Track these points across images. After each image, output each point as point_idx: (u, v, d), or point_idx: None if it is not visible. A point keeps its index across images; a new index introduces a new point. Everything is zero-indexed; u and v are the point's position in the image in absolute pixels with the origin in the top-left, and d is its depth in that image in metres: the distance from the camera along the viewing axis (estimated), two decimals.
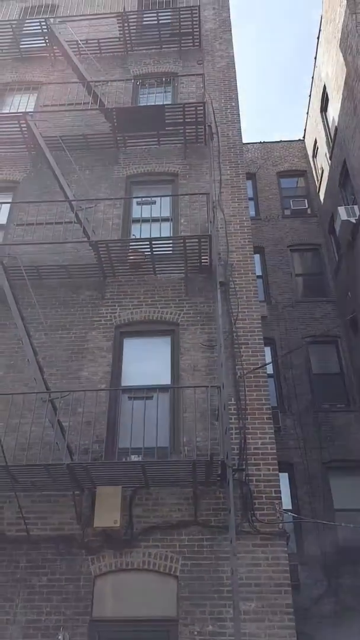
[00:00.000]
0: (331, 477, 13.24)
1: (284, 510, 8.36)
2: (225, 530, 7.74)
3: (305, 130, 20.68)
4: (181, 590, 7.50)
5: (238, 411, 8.73)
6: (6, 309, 10.22)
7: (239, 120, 12.89)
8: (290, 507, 12.39)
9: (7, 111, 13.84)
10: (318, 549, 12.24)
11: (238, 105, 13.21)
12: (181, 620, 7.31)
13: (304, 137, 20.97)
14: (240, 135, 12.65)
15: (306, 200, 19.07)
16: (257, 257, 16.83)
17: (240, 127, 12.77)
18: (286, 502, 11.52)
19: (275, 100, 59.43)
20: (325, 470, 13.29)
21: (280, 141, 20.82)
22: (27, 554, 7.99)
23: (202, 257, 10.22)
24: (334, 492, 13.05)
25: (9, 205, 11.89)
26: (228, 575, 7.50)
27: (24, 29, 15.08)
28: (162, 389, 9.13)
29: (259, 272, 16.17)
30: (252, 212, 18.11)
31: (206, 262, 10.31)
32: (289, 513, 11.97)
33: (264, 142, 20.64)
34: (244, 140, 20.00)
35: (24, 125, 12.32)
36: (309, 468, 13.26)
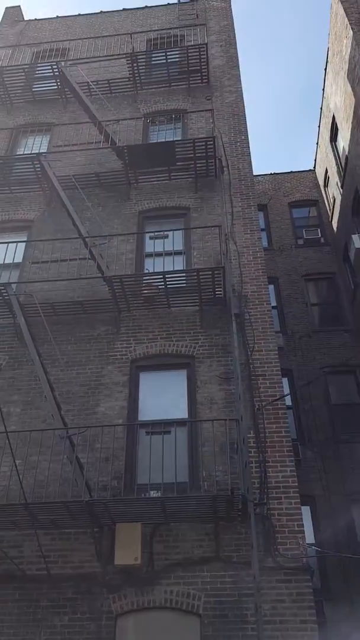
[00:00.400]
0: (354, 509, 12.99)
1: (307, 544, 8.21)
2: (248, 566, 7.62)
3: (315, 160, 20.92)
4: (204, 629, 7.36)
5: (257, 444, 8.66)
6: (23, 345, 10.34)
7: (249, 153, 13.10)
8: (313, 541, 12.15)
9: (22, 152, 14.22)
10: (343, 583, 11.95)
11: (248, 138, 13.44)
12: None
13: (314, 167, 21.20)
14: (251, 168, 12.83)
15: (319, 230, 19.17)
16: (271, 287, 16.80)
17: (250, 159, 12.97)
18: (309, 536, 11.33)
19: (284, 131, 60.28)
20: (348, 503, 13.04)
21: (291, 172, 21.06)
22: (48, 593, 7.91)
23: (216, 289, 10.29)
24: (358, 524, 12.79)
25: (24, 244, 12.11)
26: (252, 613, 7.36)
27: (36, 72, 15.59)
28: (180, 423, 9.10)
29: (273, 303, 16.18)
30: (265, 243, 18.24)
31: (220, 294, 10.37)
32: (313, 547, 11.73)
33: (274, 173, 20.90)
34: (255, 172, 20.29)
35: (38, 165, 12.63)
36: (331, 500, 13.02)
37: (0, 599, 7.90)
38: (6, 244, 11.65)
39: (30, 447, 8.87)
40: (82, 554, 8.13)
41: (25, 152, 14.06)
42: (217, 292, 10.37)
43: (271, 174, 20.93)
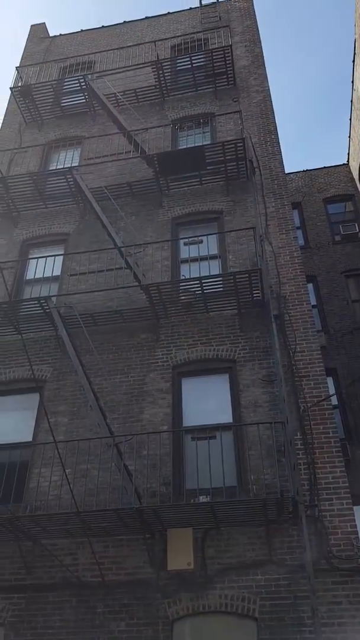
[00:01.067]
0: None
1: None
2: (302, 569, 7.59)
3: (348, 153, 20.63)
4: (261, 632, 7.35)
5: (305, 446, 8.61)
6: (66, 357, 10.53)
7: (280, 152, 13.03)
8: None
9: (54, 167, 14.48)
10: None
11: (278, 137, 13.38)
12: None
13: (347, 161, 20.92)
14: (283, 166, 12.77)
15: (356, 224, 18.86)
16: (310, 286, 16.67)
17: (281, 158, 12.90)
18: None
19: (314, 126, 59.64)
20: None
21: (324, 167, 20.81)
22: (104, 599, 8.04)
23: (254, 292, 10.27)
24: None
25: (61, 257, 12.33)
26: (309, 615, 7.32)
27: (64, 87, 15.85)
28: (225, 427, 9.13)
29: (313, 302, 15.97)
30: (301, 241, 18.06)
31: (258, 296, 10.35)
32: None
33: (307, 170, 20.70)
34: (287, 170, 20.14)
35: (71, 179, 12.86)
36: None
37: (58, 606, 8.06)
38: (44, 258, 11.90)
39: (79, 456, 9.05)
40: (135, 560, 8.23)
41: (58, 167, 14.31)
42: (255, 295, 10.35)
43: (304, 170, 20.71)
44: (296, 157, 55.05)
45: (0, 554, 8.69)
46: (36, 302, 10.44)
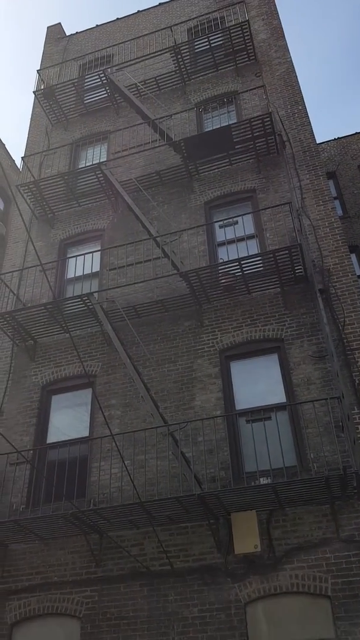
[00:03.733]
0: None
1: None
2: None
3: None
4: (336, 610, 7.27)
5: None
6: (113, 350, 10.62)
7: (309, 122, 12.70)
8: None
9: (83, 165, 14.54)
10: None
11: (305, 108, 13.04)
12: None
13: None
14: (313, 137, 12.44)
15: None
16: (353, 256, 16.27)
17: (311, 128, 12.57)
18: None
19: (342, 92, 58.07)
20: None
21: (357, 133, 20.17)
22: (174, 587, 8.09)
23: (296, 268, 10.08)
24: None
25: (99, 253, 12.40)
26: None
27: (85, 84, 15.86)
28: (279, 407, 9.02)
29: (358, 272, 15.58)
30: (339, 211, 17.60)
31: (300, 272, 10.15)
32: None
33: (339, 137, 20.12)
34: (318, 140, 19.62)
35: (100, 175, 12.88)
36: None
37: (130, 597, 8.17)
38: (83, 256, 11.99)
39: (136, 447, 9.13)
40: (202, 546, 8.25)
41: (87, 164, 14.37)
42: (297, 271, 10.16)
43: (336, 139, 20.15)
44: (327, 126, 53.79)
45: (69, 548, 8.86)
46: (79, 299, 10.54)
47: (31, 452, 9.85)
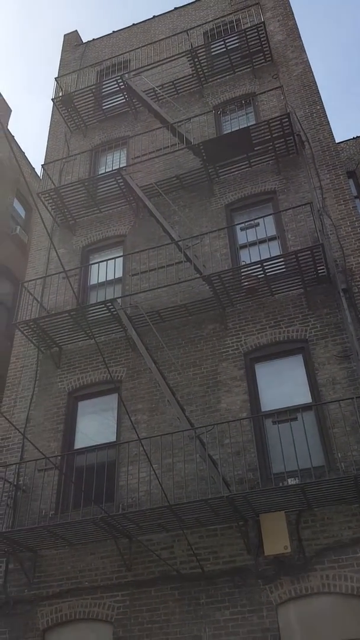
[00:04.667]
0: None
1: None
2: None
3: None
4: None
5: None
6: (138, 355, 10.69)
7: (328, 122, 12.64)
8: None
9: (103, 171, 14.67)
10: None
11: (324, 107, 12.99)
12: None
13: None
14: (332, 136, 12.39)
15: None
16: None
17: (330, 128, 12.53)
18: None
19: (358, 91, 57.64)
20: None
21: None
22: (205, 589, 8.11)
23: (318, 268, 10.04)
24: None
25: (121, 258, 12.49)
26: None
27: (103, 90, 15.99)
28: (305, 408, 9.00)
29: None
30: None
31: (323, 272, 10.12)
32: None
33: (358, 136, 19.94)
34: (337, 140, 19.47)
35: (121, 180, 12.97)
36: None
37: (161, 600, 8.21)
38: (105, 262, 12.09)
39: (163, 451, 9.17)
40: (232, 548, 8.25)
41: (106, 170, 14.49)
42: (319, 271, 10.12)
43: (355, 137, 19.98)
44: (346, 125, 53.41)
45: (99, 553, 8.93)
46: (103, 305, 10.63)
47: (59, 458, 9.96)
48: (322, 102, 13.12)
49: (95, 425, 10.43)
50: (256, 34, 14.31)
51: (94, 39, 18.86)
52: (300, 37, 14.87)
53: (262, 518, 8.12)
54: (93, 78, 17.20)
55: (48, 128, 16.93)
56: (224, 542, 8.35)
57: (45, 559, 9.17)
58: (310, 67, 14.00)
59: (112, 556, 8.82)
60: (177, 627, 7.95)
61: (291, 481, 8.10)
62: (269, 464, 8.86)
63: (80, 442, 10.33)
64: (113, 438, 10.05)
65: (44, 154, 16.13)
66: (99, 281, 12.35)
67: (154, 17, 18.23)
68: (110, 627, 8.29)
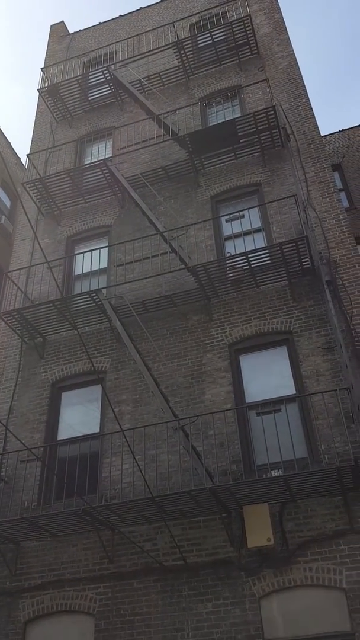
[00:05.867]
0: None
1: None
2: None
3: None
4: (351, 603, 7.22)
5: None
6: (122, 346, 10.61)
7: (313, 115, 12.63)
8: None
9: (89, 161, 14.53)
10: None
11: (309, 101, 12.98)
12: (358, 634, 7.02)
13: None
14: (318, 129, 12.38)
15: None
16: (359, 248, 16.15)
17: (315, 121, 12.51)
18: None
19: (347, 83, 57.84)
20: None
21: None
22: (188, 582, 8.07)
23: (303, 260, 10.03)
24: None
25: (106, 249, 12.38)
26: None
27: (89, 81, 15.84)
28: (289, 399, 8.98)
29: None
30: (345, 203, 17.51)
31: (307, 264, 10.10)
32: None
33: (343, 129, 20.00)
34: (322, 133, 19.49)
35: (106, 170, 12.86)
36: None
37: (144, 592, 8.16)
38: (90, 252, 11.98)
39: (147, 442, 9.11)
40: (215, 540, 8.22)
41: (92, 161, 14.35)
42: (304, 263, 10.11)
43: (340, 131, 20.03)
44: (331, 118, 53.58)
45: (82, 545, 8.85)
46: (87, 296, 10.53)
47: (42, 449, 9.86)
48: (307, 95, 13.11)
49: (79, 416, 10.34)
50: (242, 26, 14.25)
51: (80, 30, 18.68)
52: (286, 30, 14.84)
53: (246, 510, 8.09)
54: (79, 69, 17.03)
55: (34, 118, 16.75)
56: (207, 534, 8.31)
57: (27, 551, 9.08)
58: (296, 60, 13.97)
59: (95, 548, 8.74)
60: (159, 619, 7.90)
61: (274, 473, 8.09)
62: (252, 455, 8.84)
63: (63, 433, 10.24)
64: (97, 429, 9.97)
65: (30, 144, 15.95)
66: (84, 272, 12.24)
67: (141, 8, 18.09)
68: (92, 619, 8.22)
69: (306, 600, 7.51)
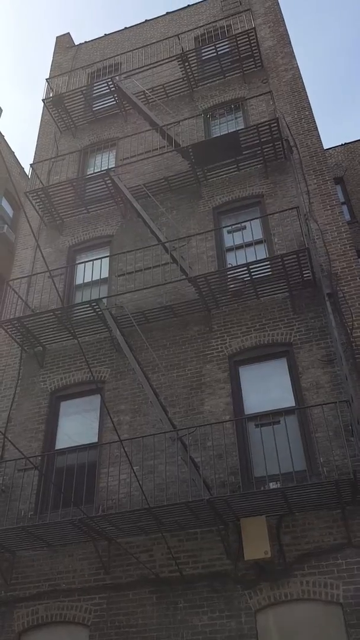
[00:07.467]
0: None
1: None
2: None
3: None
4: (348, 617, 7.15)
5: None
6: (122, 356, 10.60)
7: (316, 128, 12.70)
8: None
9: (92, 172, 14.60)
10: None
11: (312, 113, 13.04)
12: None
13: None
14: (320, 142, 12.44)
15: None
16: None
17: (318, 134, 12.57)
18: None
19: (351, 97, 58.16)
20: None
21: None
22: (184, 594, 8.00)
23: (304, 272, 10.03)
24: None
25: (108, 259, 12.41)
26: None
27: (94, 92, 15.97)
28: (288, 411, 8.95)
29: None
30: (347, 217, 17.56)
31: (308, 276, 10.11)
32: None
33: (346, 143, 20.10)
34: (325, 146, 19.59)
35: (109, 181, 12.92)
36: None
37: (139, 604, 8.09)
38: (91, 262, 12.01)
39: (145, 453, 9.08)
40: (211, 552, 8.16)
41: (95, 171, 14.42)
42: (305, 275, 10.11)
43: (343, 144, 20.13)
44: (334, 132, 53.83)
45: (78, 555, 8.80)
46: (88, 305, 10.54)
47: (39, 458, 9.83)
48: (311, 108, 13.18)
49: (78, 426, 10.31)
50: (247, 39, 14.36)
51: (86, 42, 18.84)
52: (290, 43, 14.95)
53: (243, 522, 8.03)
54: (84, 80, 17.16)
55: (38, 128, 16.85)
56: (204, 546, 8.25)
57: (23, 560, 9.03)
58: (299, 73, 14.06)
59: (91, 558, 8.69)
60: (154, 631, 7.83)
61: (272, 485, 8.04)
62: (251, 467, 8.80)
63: (61, 443, 10.21)
64: (95, 439, 9.94)
65: (33, 154, 16.06)
66: (85, 281, 12.26)
67: (146, 21, 18.25)
68: (87, 630, 8.15)
69: (303, 614, 7.44)
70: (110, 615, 8.15)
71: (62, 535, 8.55)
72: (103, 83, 15.54)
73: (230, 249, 11.73)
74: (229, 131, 13.35)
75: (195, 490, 8.43)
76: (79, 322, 10.89)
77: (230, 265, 11.27)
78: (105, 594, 8.35)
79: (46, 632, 8.37)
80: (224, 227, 11.67)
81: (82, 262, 11.76)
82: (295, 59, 14.47)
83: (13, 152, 20.23)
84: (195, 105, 14.79)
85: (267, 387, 9.62)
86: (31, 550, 9.03)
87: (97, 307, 10.55)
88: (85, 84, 16.82)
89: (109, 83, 15.15)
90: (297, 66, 14.26)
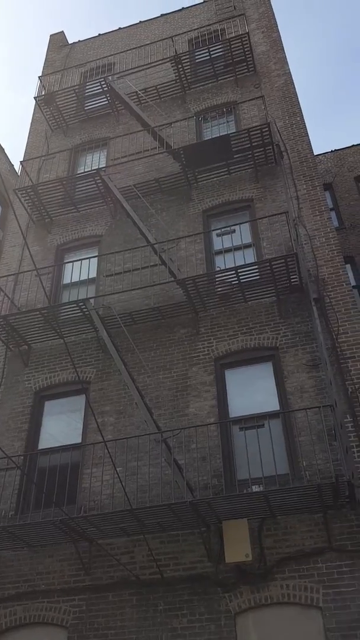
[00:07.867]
0: None
1: None
2: None
3: None
4: (327, 622, 7.17)
5: (356, 428, 8.38)
6: (108, 357, 10.56)
7: (307, 134, 12.77)
8: None
9: (82, 171, 14.56)
10: None
11: (303, 119, 13.11)
12: None
13: None
14: (311, 148, 12.51)
15: None
16: (347, 267, 16.28)
17: (309, 140, 12.64)
18: None
19: (341, 104, 58.58)
20: None
21: (353, 145, 20.28)
22: (164, 596, 7.98)
23: (291, 277, 10.07)
24: None
25: (96, 259, 12.37)
26: None
27: (86, 91, 15.94)
28: (272, 415, 8.97)
29: (353, 283, 15.64)
30: (335, 223, 17.66)
31: (296, 281, 10.14)
32: None
33: (336, 150, 20.23)
34: (315, 152, 19.68)
35: (99, 181, 12.89)
36: None
37: (118, 606, 8.06)
38: (80, 261, 11.96)
39: (129, 454, 9.05)
40: (193, 555, 8.15)
41: (86, 170, 14.38)
42: (292, 280, 10.15)
43: (332, 151, 20.26)
44: (324, 138, 54.20)
45: (58, 556, 8.75)
46: (75, 305, 10.49)
47: (22, 457, 9.76)
48: (302, 114, 13.26)
49: (61, 426, 10.26)
50: (240, 44, 14.42)
51: (79, 41, 18.81)
52: (283, 49, 15.03)
53: (225, 525, 8.03)
54: (77, 79, 17.13)
55: (29, 126, 16.78)
56: (185, 549, 8.24)
57: (2, 560, 8.95)
58: (292, 79, 14.14)
59: (71, 559, 8.64)
60: (133, 633, 7.80)
61: (255, 488, 8.05)
62: (234, 470, 8.80)
63: (45, 443, 10.14)
64: (79, 439, 9.89)
65: (23, 152, 15.98)
66: (73, 281, 12.22)
67: (141, 22, 18.26)
68: (65, 631, 8.09)
69: (282, 618, 7.45)
70: (90, 617, 8.10)
71: (43, 536, 8.49)
72: (96, 82, 15.52)
73: (219, 252, 11.75)
74: (221, 134, 13.39)
75: (178, 492, 8.41)
76: (66, 322, 10.84)
77: (218, 269, 11.28)
78: (84, 595, 8.30)
79: (24, 634, 8.30)
80: (213, 230, 11.68)
81: (70, 262, 11.73)
82: (288, 65, 14.55)
83: (3, 149, 20.14)
84: (188, 107, 14.82)
85: (252, 391, 9.63)
86: (11, 551, 8.95)
87: (84, 307, 10.51)
88: (78, 83, 16.79)
89: (102, 83, 15.13)
90: (290, 72, 14.35)
